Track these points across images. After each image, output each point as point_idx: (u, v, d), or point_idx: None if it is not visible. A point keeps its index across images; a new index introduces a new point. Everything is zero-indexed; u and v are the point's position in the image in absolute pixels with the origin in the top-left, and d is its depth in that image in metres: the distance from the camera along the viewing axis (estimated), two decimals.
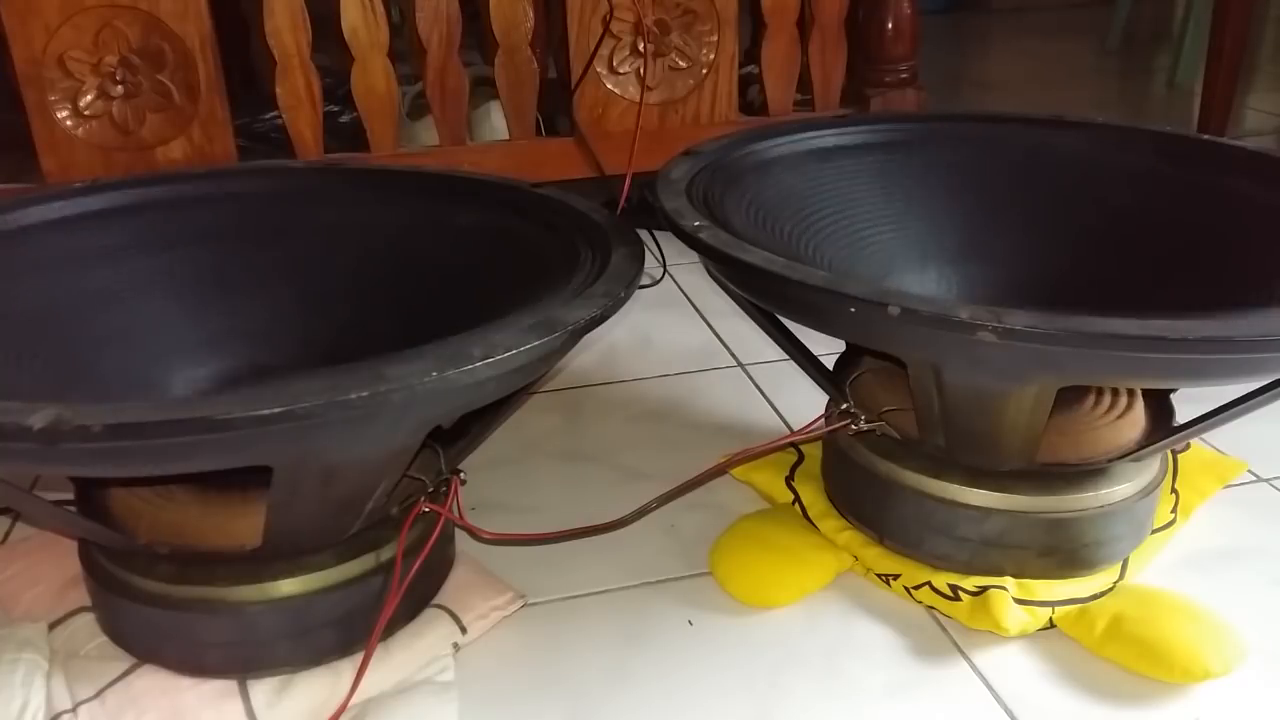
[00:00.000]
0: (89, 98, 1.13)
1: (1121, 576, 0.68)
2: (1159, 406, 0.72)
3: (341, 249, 0.77)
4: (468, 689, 0.61)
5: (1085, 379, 0.60)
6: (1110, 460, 0.67)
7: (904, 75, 1.38)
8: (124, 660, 0.62)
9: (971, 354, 0.56)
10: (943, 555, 0.68)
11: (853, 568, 0.71)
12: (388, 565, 0.62)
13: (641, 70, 1.26)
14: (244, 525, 0.59)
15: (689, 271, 1.21)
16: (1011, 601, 0.64)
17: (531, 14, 1.22)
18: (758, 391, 0.95)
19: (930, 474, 0.68)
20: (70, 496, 0.63)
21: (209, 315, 0.75)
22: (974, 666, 0.63)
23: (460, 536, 0.72)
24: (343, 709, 0.58)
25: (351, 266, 0.77)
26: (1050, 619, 0.65)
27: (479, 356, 0.50)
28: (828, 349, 0.75)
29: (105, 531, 0.59)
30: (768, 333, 0.75)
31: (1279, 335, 0.53)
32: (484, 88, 1.30)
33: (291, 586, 0.60)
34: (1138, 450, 0.67)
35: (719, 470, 0.74)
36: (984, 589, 0.66)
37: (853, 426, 0.69)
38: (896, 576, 0.68)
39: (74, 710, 0.58)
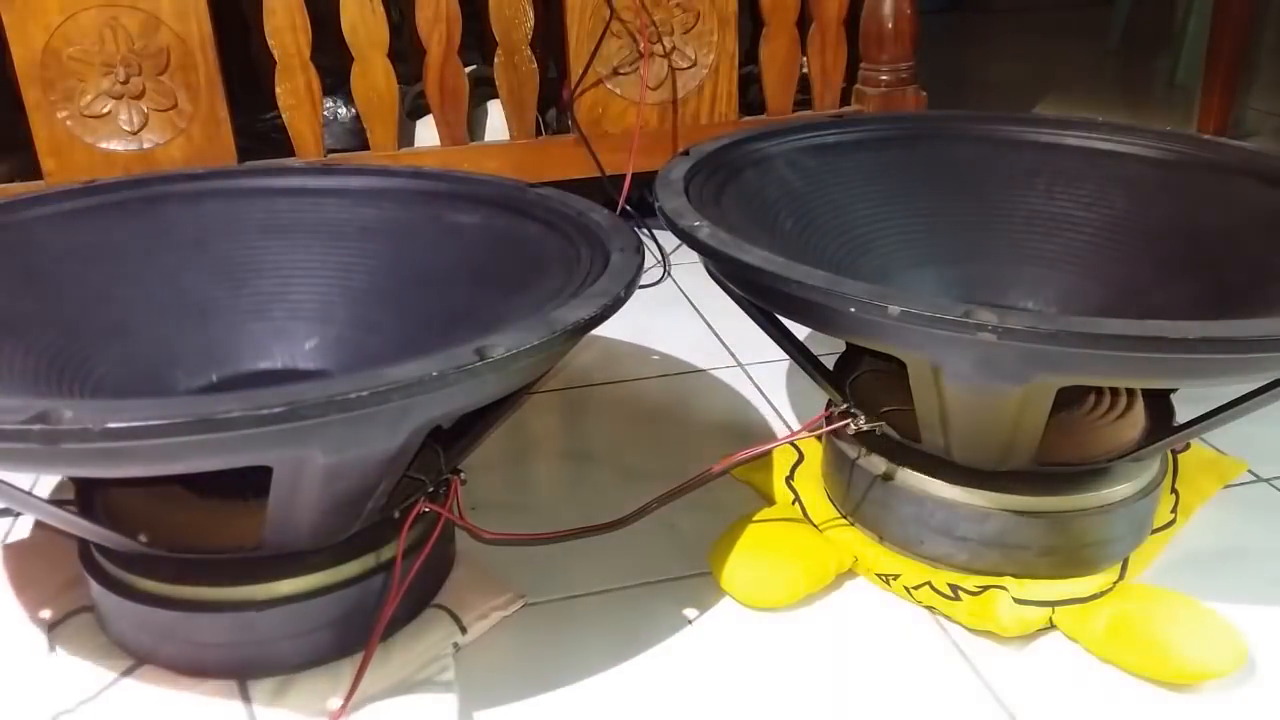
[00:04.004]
0: (89, 98, 1.13)
1: (1121, 576, 0.68)
2: (1159, 406, 0.72)
3: (341, 249, 0.77)
4: (468, 689, 0.61)
5: (1085, 379, 0.60)
6: (1110, 460, 0.67)
7: (904, 75, 1.38)
8: (124, 660, 0.62)
9: (971, 354, 0.57)
10: (943, 555, 0.68)
11: (853, 568, 0.71)
12: (388, 565, 0.62)
13: (641, 70, 1.26)
14: (244, 525, 0.59)
15: (689, 271, 1.21)
16: (1011, 601, 0.65)
17: (531, 14, 1.22)
18: (758, 391, 0.95)
19: (930, 474, 0.68)
20: (70, 496, 0.63)
21: (208, 315, 0.75)
22: (974, 666, 0.63)
23: (460, 536, 0.72)
24: (343, 709, 0.58)
25: (351, 266, 0.77)
26: (1050, 619, 0.65)
27: (479, 356, 0.50)
28: (828, 349, 0.75)
29: (105, 531, 0.59)
30: (768, 333, 0.75)
31: (1278, 335, 0.53)
32: (484, 88, 1.30)
33: (291, 586, 0.60)
34: (1138, 450, 0.67)
35: (717, 471, 0.74)
36: (984, 589, 0.66)
37: (853, 426, 0.69)
38: (896, 576, 0.68)
39: (74, 710, 0.58)
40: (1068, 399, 0.69)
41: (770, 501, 0.78)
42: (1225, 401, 0.65)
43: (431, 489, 0.64)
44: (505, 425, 0.72)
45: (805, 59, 1.35)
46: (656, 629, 0.66)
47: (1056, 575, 0.67)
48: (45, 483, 0.79)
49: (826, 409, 0.75)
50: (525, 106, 1.26)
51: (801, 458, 0.80)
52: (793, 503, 0.75)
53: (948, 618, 0.67)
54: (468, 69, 1.24)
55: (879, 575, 0.69)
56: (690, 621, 0.67)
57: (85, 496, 0.62)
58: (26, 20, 1.08)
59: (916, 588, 0.67)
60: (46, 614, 0.65)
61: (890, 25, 1.35)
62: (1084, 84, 2.23)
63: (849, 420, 0.69)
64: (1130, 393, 0.71)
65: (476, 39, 1.49)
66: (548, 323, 0.55)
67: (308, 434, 0.48)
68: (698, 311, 1.13)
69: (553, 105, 1.32)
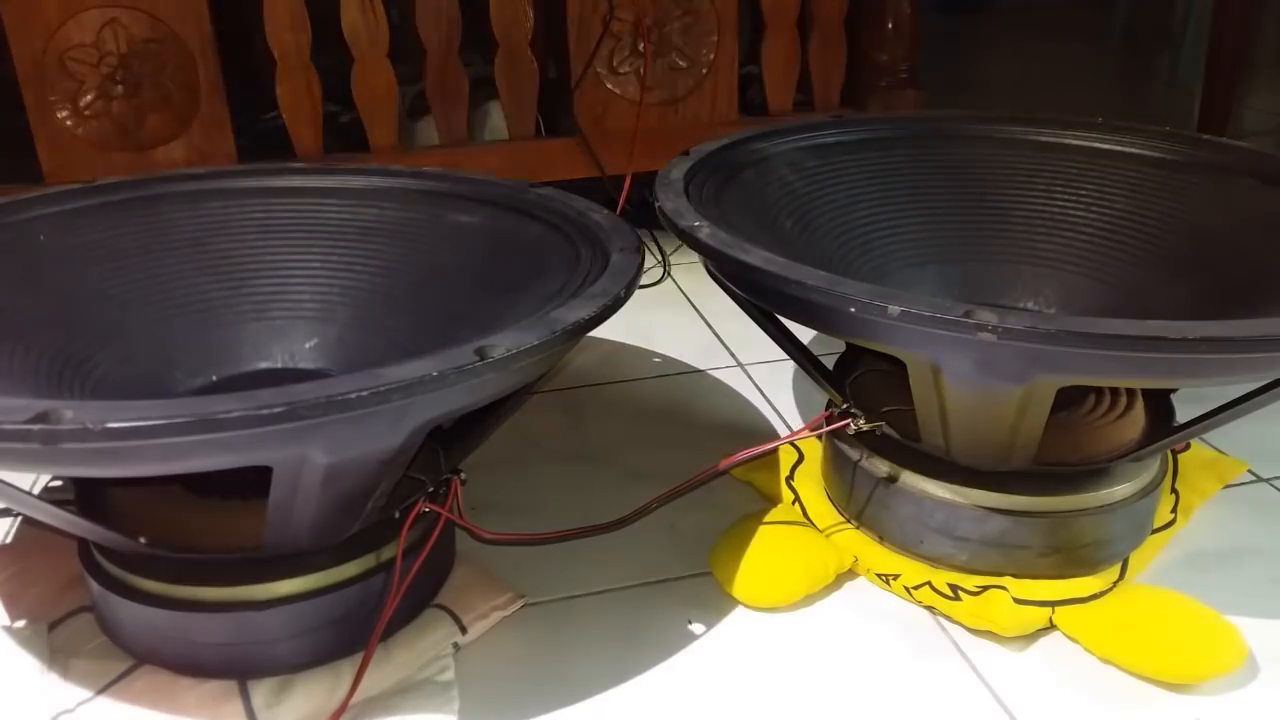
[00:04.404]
0: (89, 98, 1.12)
1: (1121, 576, 0.68)
2: (1159, 406, 0.72)
3: (341, 249, 0.77)
4: (468, 689, 0.61)
5: (1085, 379, 0.60)
6: (1110, 460, 0.67)
7: (904, 75, 1.38)
8: (124, 660, 0.62)
9: (971, 354, 0.57)
10: (943, 555, 0.68)
11: (853, 568, 0.71)
12: (388, 565, 0.62)
13: (641, 70, 1.26)
14: (244, 525, 0.59)
15: (689, 271, 1.21)
16: (1011, 601, 0.65)
17: (531, 14, 1.22)
18: (758, 391, 0.95)
19: (930, 474, 0.68)
20: (70, 496, 0.63)
21: (208, 315, 0.75)
22: (974, 666, 0.63)
23: (460, 536, 0.72)
24: (343, 709, 0.58)
25: (351, 266, 0.77)
26: (1050, 619, 0.65)
27: (479, 356, 0.50)
28: (828, 349, 0.75)
29: (105, 531, 0.59)
30: (768, 333, 0.75)
31: (1279, 335, 0.53)
32: (484, 88, 1.30)
33: (291, 586, 0.60)
34: (1138, 450, 0.67)
35: (719, 470, 0.74)
36: (984, 589, 0.66)
37: (853, 426, 0.69)
38: (896, 576, 0.68)
39: (74, 710, 0.58)
40: (1068, 399, 0.69)
41: (770, 501, 0.78)
42: (1225, 401, 0.65)
43: (431, 489, 0.64)
44: (505, 425, 0.72)
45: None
46: (657, 629, 0.66)
47: (1056, 575, 0.67)
48: (45, 483, 0.79)
49: (826, 409, 0.75)
50: (525, 106, 1.26)
51: (801, 458, 0.80)
52: (793, 503, 0.75)
53: (948, 618, 0.67)
54: (468, 69, 1.24)
55: (879, 575, 0.69)
56: (690, 621, 0.67)
57: (85, 496, 0.62)
58: (26, 20, 1.08)
59: (916, 588, 0.67)
60: (47, 614, 0.65)
61: (890, 25, 1.35)
62: (1084, 83, 2.23)
63: (849, 420, 0.69)
64: (1130, 393, 0.71)
65: (476, 39, 1.49)
66: (548, 323, 0.55)
67: (307, 434, 0.49)
68: (698, 311, 1.13)
69: (560, 109, 1.32)
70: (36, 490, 0.75)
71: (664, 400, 0.94)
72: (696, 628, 0.66)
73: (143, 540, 0.59)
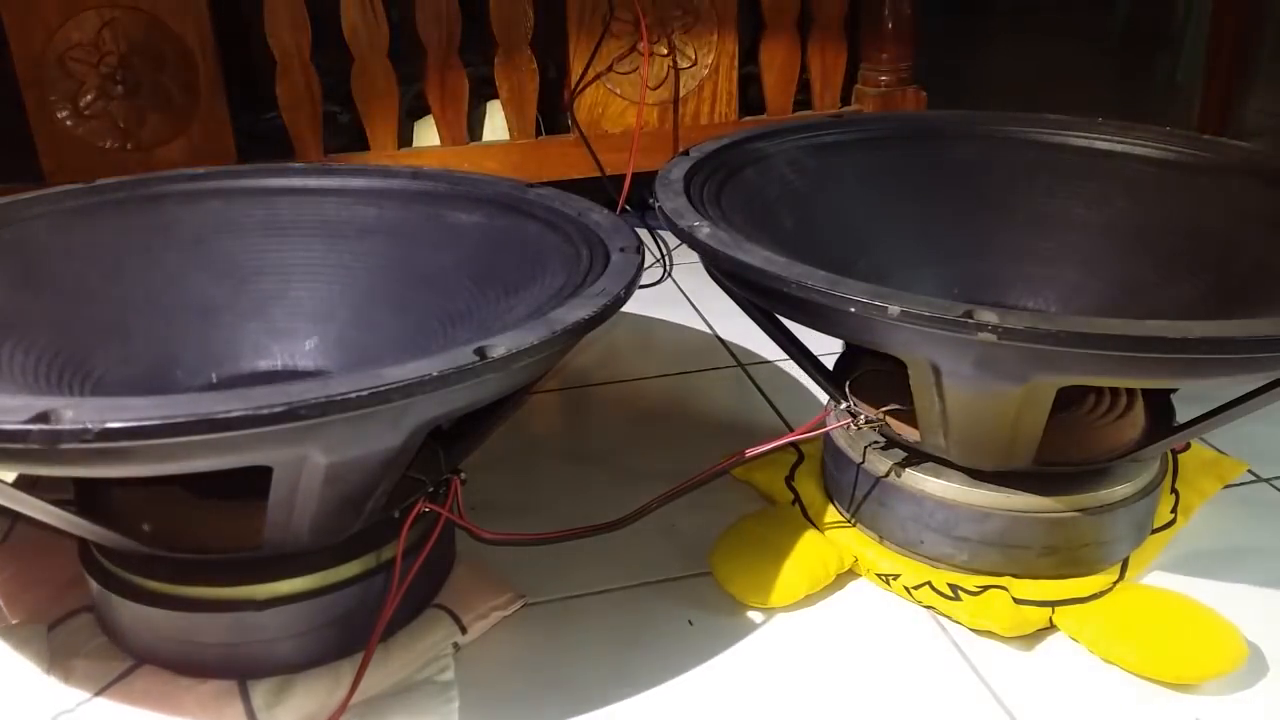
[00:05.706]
0: (89, 98, 1.13)
1: (1121, 576, 0.68)
2: (1159, 406, 0.72)
3: (341, 249, 0.77)
4: (468, 689, 0.61)
5: (1085, 379, 0.60)
6: (1110, 460, 0.67)
7: (904, 75, 1.38)
8: (124, 660, 0.62)
9: (971, 354, 0.57)
10: (943, 555, 0.68)
11: (853, 568, 0.71)
12: (388, 565, 0.62)
13: (641, 70, 1.26)
14: (244, 525, 0.59)
15: (689, 271, 1.21)
16: (1011, 601, 0.65)
17: (531, 14, 1.22)
18: (758, 391, 0.95)
19: (930, 474, 0.68)
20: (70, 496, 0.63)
21: (208, 315, 0.75)
22: (974, 667, 0.63)
23: (460, 536, 0.72)
24: (343, 709, 0.58)
25: (351, 266, 0.77)
26: (1050, 619, 0.65)
27: (479, 356, 0.50)
28: (828, 349, 0.75)
29: (105, 531, 0.58)
30: (768, 333, 0.75)
31: (1278, 335, 0.53)
32: (484, 88, 1.30)
33: (291, 586, 0.60)
34: (1138, 450, 0.67)
35: (719, 470, 0.74)
36: (984, 589, 0.66)
37: (853, 426, 0.69)
38: (896, 576, 0.68)
39: (74, 710, 0.58)
40: (1068, 399, 0.69)
41: (770, 501, 0.78)
42: (1225, 401, 0.65)
43: (431, 489, 0.64)
44: (505, 425, 0.72)
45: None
46: (656, 629, 0.66)
47: (1056, 575, 0.67)
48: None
49: (826, 409, 0.75)
50: (525, 106, 1.26)
51: (801, 458, 0.80)
52: (793, 503, 0.75)
53: (948, 618, 0.67)
54: (467, 69, 1.24)
55: (879, 575, 0.69)
56: (690, 622, 0.67)
57: (85, 496, 0.62)
58: (26, 20, 1.08)
59: (916, 588, 0.67)
60: (46, 614, 0.65)
61: (890, 25, 1.35)
62: (1084, 84, 2.23)
63: (849, 420, 0.69)
64: (1130, 393, 0.71)
65: (477, 39, 1.49)
66: (548, 323, 0.55)
67: (307, 434, 0.48)
68: (698, 311, 1.13)
69: (560, 109, 1.32)
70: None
71: (664, 400, 0.94)
72: (696, 628, 0.66)
73: (143, 540, 0.59)
